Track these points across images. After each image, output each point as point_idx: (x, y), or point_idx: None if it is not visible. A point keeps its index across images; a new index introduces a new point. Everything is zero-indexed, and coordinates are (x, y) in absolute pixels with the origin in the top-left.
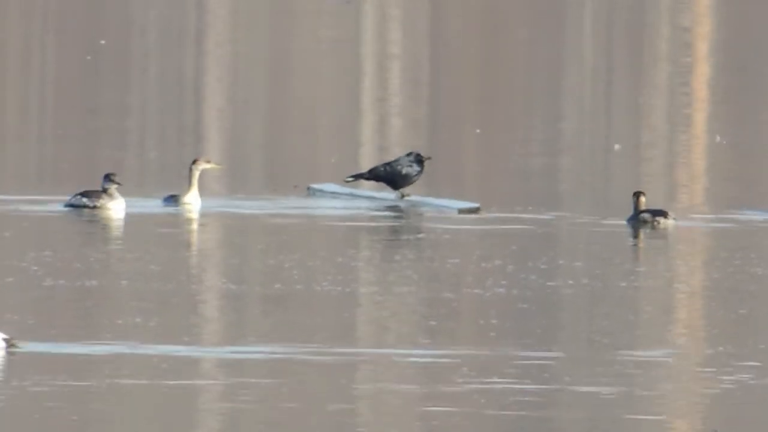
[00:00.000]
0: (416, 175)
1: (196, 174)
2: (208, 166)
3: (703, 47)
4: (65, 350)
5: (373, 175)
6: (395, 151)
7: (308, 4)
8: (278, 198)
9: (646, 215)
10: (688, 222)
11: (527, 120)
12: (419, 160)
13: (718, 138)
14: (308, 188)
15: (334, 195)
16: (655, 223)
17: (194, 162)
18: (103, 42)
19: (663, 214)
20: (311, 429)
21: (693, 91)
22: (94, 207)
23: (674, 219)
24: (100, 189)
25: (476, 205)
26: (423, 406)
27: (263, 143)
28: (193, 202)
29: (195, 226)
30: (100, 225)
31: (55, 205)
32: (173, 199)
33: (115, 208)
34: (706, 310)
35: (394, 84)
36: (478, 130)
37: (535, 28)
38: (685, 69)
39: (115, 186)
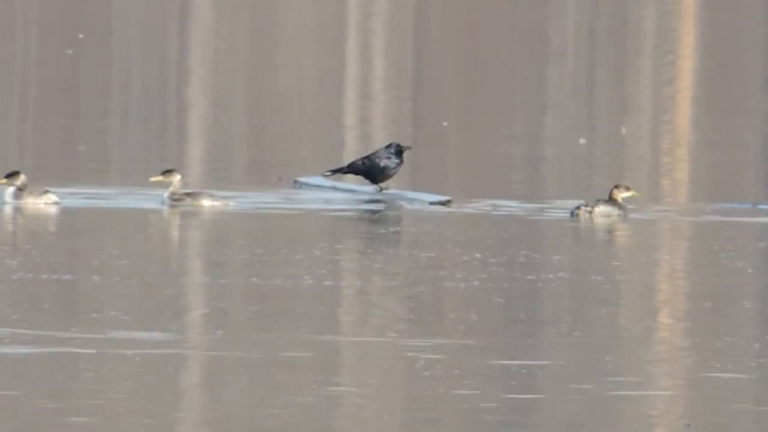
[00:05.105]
0: (395, 167)
1: None
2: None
3: (688, 40)
4: (38, 344)
5: (352, 169)
6: (377, 144)
7: None
8: (262, 191)
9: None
10: (668, 215)
11: (508, 112)
12: (398, 151)
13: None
14: (295, 181)
15: (319, 188)
16: (576, 213)
17: None
18: (81, 36)
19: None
20: (282, 422)
21: (676, 83)
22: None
23: (589, 211)
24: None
25: (447, 198)
26: (395, 401)
27: (246, 136)
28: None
29: (177, 219)
30: (83, 218)
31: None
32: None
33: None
34: (683, 304)
35: (377, 75)
36: (445, 123)
37: (519, 19)
38: (668, 64)
39: (18, 183)
